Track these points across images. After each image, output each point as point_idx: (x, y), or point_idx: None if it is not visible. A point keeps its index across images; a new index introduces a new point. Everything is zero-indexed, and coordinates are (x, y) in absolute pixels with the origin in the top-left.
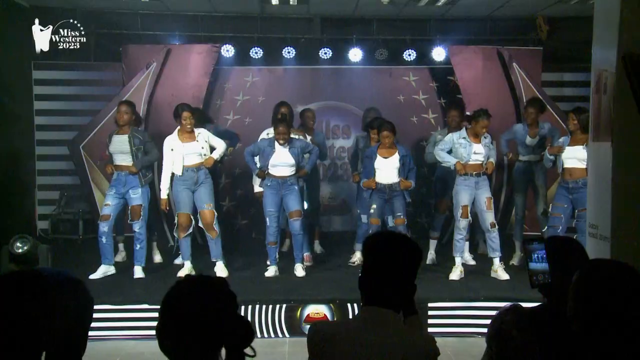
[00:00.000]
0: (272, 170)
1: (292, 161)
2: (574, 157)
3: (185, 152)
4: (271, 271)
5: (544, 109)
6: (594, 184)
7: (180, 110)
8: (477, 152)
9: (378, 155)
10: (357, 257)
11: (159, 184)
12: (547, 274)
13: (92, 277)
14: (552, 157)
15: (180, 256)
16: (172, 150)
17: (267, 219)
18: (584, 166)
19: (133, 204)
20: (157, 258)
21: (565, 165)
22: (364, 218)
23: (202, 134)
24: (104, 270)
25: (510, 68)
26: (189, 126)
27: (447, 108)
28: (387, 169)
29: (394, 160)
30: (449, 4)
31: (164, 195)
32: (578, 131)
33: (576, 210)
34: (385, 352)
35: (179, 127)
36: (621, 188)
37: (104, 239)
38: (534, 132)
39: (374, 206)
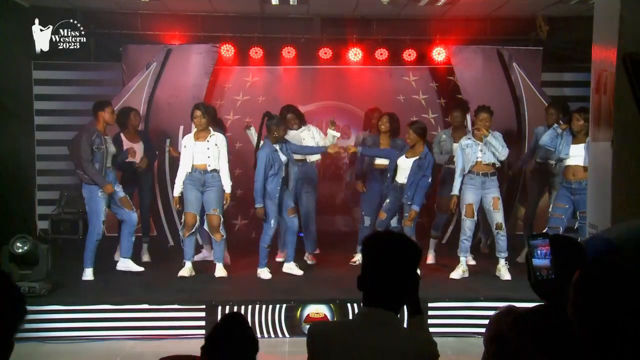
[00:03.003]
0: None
1: (286, 158)
2: (579, 155)
3: (195, 151)
4: (267, 273)
5: (566, 111)
6: (594, 184)
7: (193, 109)
8: (481, 150)
9: (404, 155)
10: (358, 257)
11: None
12: (550, 270)
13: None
14: (560, 130)
15: (206, 253)
16: (185, 147)
17: (272, 221)
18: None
19: (121, 196)
20: (145, 258)
21: (569, 163)
22: (366, 220)
23: (216, 137)
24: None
25: (510, 68)
26: (199, 125)
27: (450, 108)
28: (406, 169)
29: (411, 161)
30: (449, 4)
31: (176, 193)
32: (583, 131)
33: (578, 212)
34: (383, 353)
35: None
36: (621, 188)
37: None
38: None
39: (387, 200)
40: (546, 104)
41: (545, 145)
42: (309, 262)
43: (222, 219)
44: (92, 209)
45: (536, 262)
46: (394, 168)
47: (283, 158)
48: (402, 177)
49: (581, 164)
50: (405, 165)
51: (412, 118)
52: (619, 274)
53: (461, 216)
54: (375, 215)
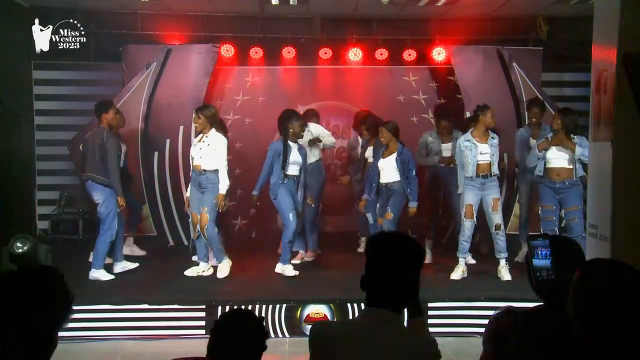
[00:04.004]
0: (290, 170)
1: (301, 161)
2: (561, 157)
3: (194, 152)
4: (291, 270)
5: (545, 109)
6: (594, 184)
7: None
8: (483, 152)
9: (381, 157)
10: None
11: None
12: (551, 270)
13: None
14: (540, 154)
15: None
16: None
17: (290, 215)
18: (571, 167)
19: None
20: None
21: (552, 165)
22: (370, 217)
23: (212, 138)
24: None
25: (510, 68)
26: (196, 127)
27: (437, 118)
28: (386, 169)
29: (391, 160)
30: (449, 4)
31: (186, 194)
32: (561, 131)
33: (563, 210)
34: (385, 353)
35: None
36: (621, 188)
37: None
38: (536, 133)
39: (379, 205)
40: (546, 104)
41: (530, 166)
42: (307, 258)
43: (209, 218)
44: (108, 210)
45: (536, 262)
46: (377, 172)
47: (298, 158)
48: (385, 178)
49: (565, 165)
50: (384, 165)
51: (412, 118)
52: (618, 274)
53: (461, 216)
54: (375, 211)
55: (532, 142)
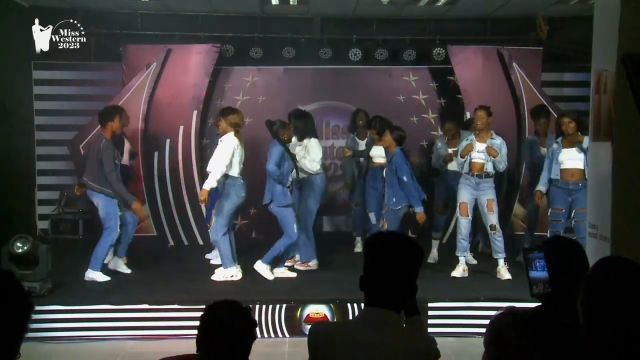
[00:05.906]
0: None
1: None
2: (576, 157)
3: None
4: (270, 273)
5: (550, 116)
6: (594, 184)
7: None
8: (479, 150)
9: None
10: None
11: None
12: (547, 283)
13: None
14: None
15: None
16: None
17: (295, 227)
18: (583, 167)
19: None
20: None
21: (566, 167)
22: (372, 217)
23: (223, 139)
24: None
25: (510, 68)
26: (219, 129)
27: (443, 120)
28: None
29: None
30: (449, 4)
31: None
32: (576, 132)
33: (574, 210)
34: (385, 353)
35: None
36: (621, 188)
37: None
38: (544, 141)
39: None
40: (546, 104)
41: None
42: (297, 266)
43: (217, 222)
44: (108, 214)
45: (533, 274)
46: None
47: (289, 164)
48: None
49: (579, 166)
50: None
51: (412, 118)
52: (625, 273)
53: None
54: (379, 211)
55: (543, 150)
